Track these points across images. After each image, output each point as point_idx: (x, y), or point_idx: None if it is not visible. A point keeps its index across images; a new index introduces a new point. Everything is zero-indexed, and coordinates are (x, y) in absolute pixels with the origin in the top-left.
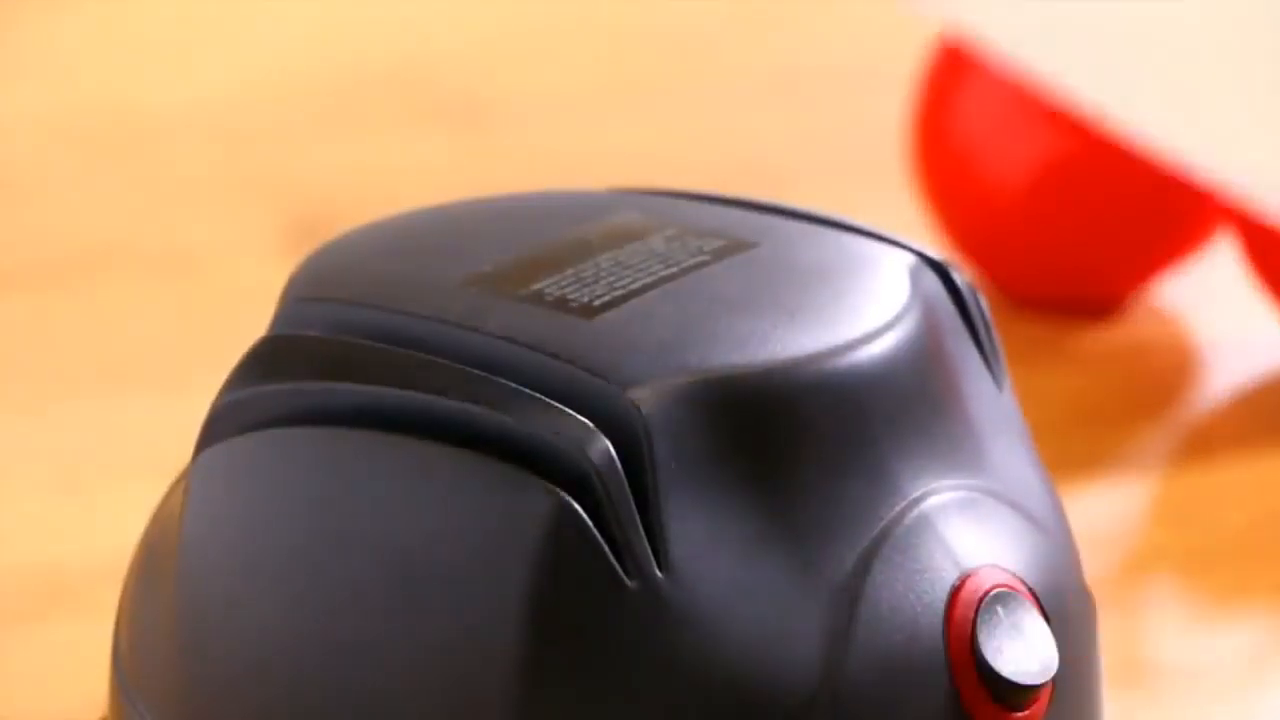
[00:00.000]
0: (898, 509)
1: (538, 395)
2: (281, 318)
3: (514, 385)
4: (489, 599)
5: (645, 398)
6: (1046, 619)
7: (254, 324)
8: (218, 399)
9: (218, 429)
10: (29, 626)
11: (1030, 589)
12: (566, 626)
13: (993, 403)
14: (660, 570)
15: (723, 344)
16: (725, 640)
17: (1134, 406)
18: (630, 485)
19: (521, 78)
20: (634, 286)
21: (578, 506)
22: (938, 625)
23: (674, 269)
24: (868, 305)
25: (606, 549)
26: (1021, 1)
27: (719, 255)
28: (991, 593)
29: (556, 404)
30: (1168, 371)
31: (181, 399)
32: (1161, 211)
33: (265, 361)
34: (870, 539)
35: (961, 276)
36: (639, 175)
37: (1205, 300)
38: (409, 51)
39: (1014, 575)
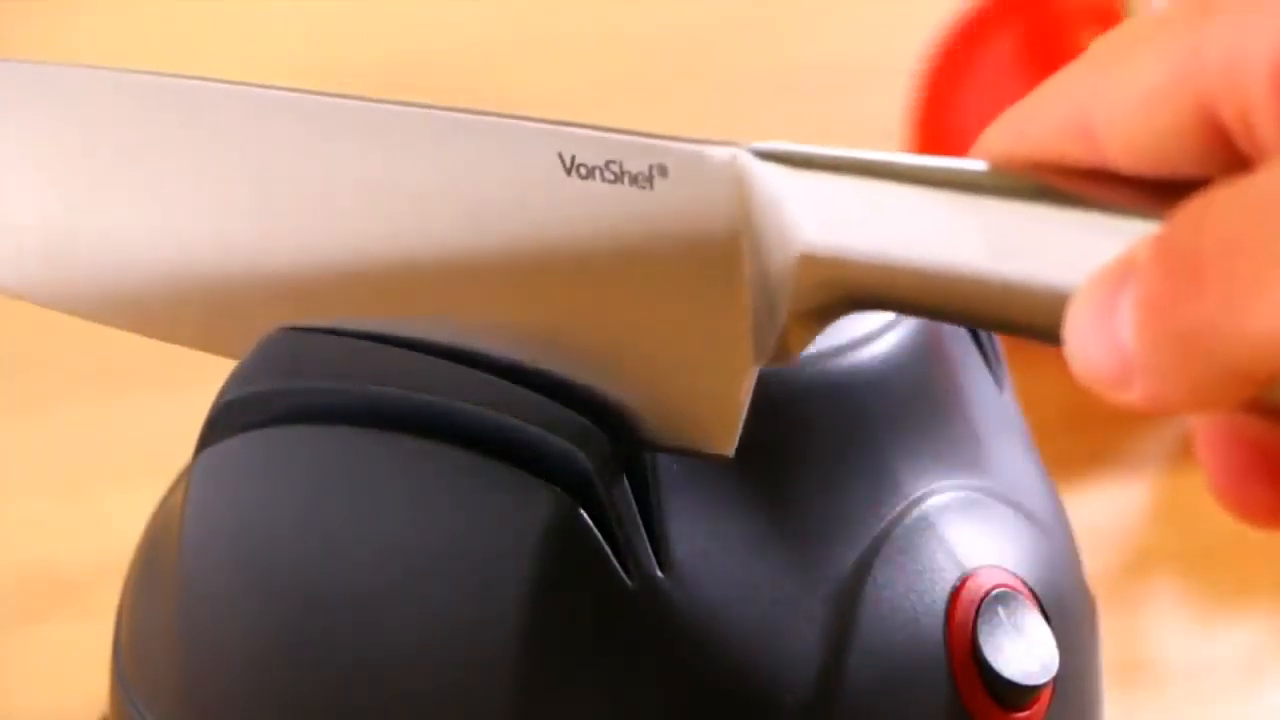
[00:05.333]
0: (898, 509)
1: (539, 395)
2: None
3: (515, 385)
4: (489, 599)
5: None
6: (1047, 619)
7: None
8: (219, 398)
9: (219, 428)
10: (29, 626)
11: (1031, 589)
12: (567, 626)
13: (993, 403)
14: (660, 570)
15: None
16: (725, 640)
17: None
18: (631, 485)
19: (521, 78)
20: None
21: (578, 506)
22: (938, 625)
23: None
24: None
25: (607, 549)
26: None
27: None
28: (992, 593)
29: (558, 404)
30: None
31: (181, 398)
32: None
33: (266, 361)
34: (871, 539)
35: None
36: None
37: None
38: (409, 51)
39: (1015, 575)
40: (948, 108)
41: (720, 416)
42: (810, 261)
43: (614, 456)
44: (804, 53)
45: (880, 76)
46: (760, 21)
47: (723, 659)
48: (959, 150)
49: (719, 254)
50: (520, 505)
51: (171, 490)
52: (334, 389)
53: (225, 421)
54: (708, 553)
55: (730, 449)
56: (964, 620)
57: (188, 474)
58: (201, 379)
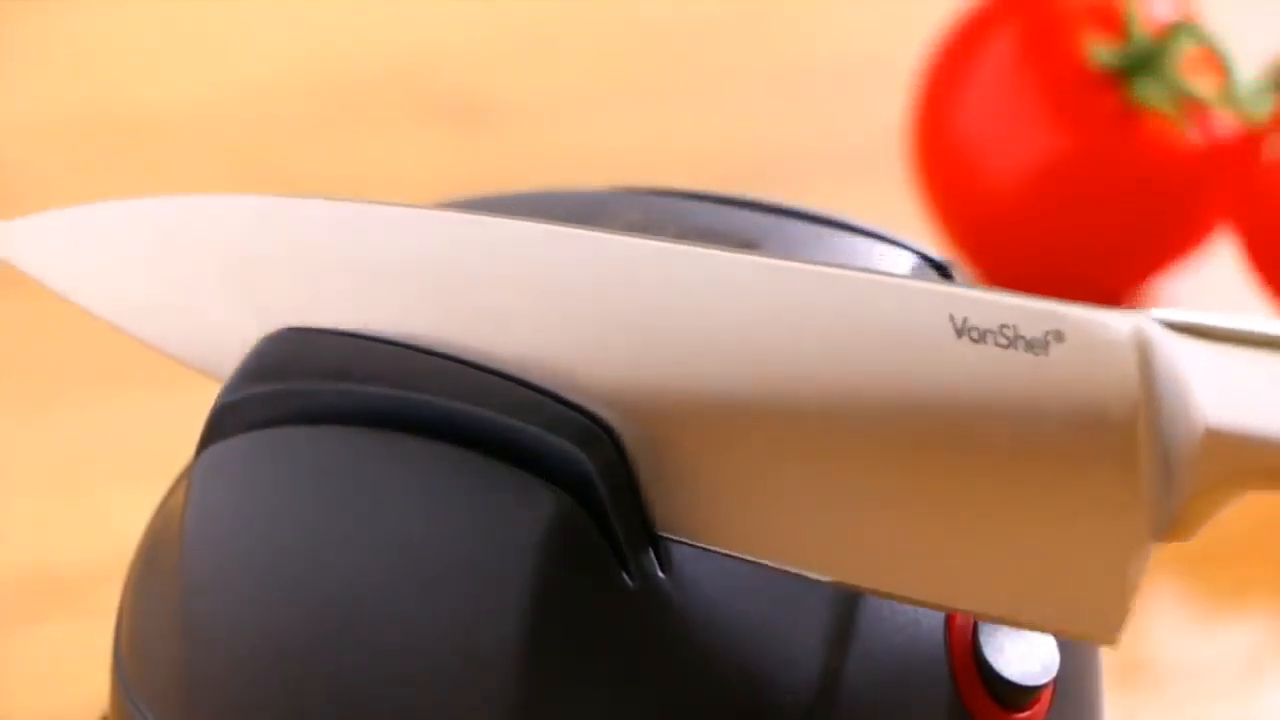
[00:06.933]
0: None
1: (540, 396)
2: None
3: (516, 385)
4: (490, 599)
5: None
6: None
7: None
8: (220, 397)
9: (220, 428)
10: (29, 626)
11: None
12: (567, 627)
13: None
14: (661, 571)
15: None
16: (725, 640)
17: None
18: (631, 486)
19: (521, 77)
20: None
21: (579, 507)
22: (939, 626)
23: None
24: None
25: (607, 549)
26: None
27: None
28: None
29: (559, 404)
30: None
31: (182, 398)
32: (1161, 211)
33: (267, 360)
34: None
35: (962, 277)
36: (639, 174)
37: (1205, 300)
38: (409, 50)
39: None
40: (948, 108)
41: (1109, 599)
42: (1215, 439)
43: (615, 457)
44: (804, 52)
45: (880, 76)
46: (760, 20)
47: (723, 659)
48: (959, 151)
49: (1116, 425)
50: (521, 506)
51: (172, 490)
52: (335, 389)
53: (227, 421)
54: (708, 553)
55: (1119, 637)
56: (964, 621)
57: (189, 474)
58: (202, 379)
